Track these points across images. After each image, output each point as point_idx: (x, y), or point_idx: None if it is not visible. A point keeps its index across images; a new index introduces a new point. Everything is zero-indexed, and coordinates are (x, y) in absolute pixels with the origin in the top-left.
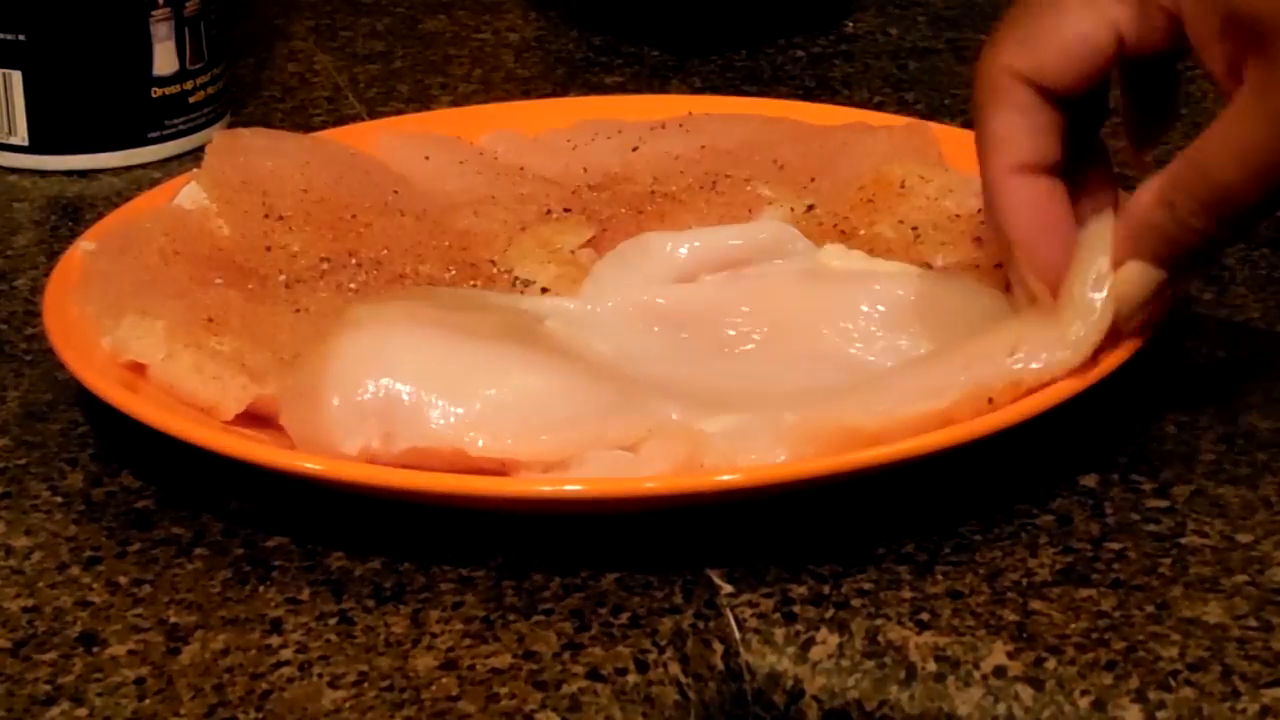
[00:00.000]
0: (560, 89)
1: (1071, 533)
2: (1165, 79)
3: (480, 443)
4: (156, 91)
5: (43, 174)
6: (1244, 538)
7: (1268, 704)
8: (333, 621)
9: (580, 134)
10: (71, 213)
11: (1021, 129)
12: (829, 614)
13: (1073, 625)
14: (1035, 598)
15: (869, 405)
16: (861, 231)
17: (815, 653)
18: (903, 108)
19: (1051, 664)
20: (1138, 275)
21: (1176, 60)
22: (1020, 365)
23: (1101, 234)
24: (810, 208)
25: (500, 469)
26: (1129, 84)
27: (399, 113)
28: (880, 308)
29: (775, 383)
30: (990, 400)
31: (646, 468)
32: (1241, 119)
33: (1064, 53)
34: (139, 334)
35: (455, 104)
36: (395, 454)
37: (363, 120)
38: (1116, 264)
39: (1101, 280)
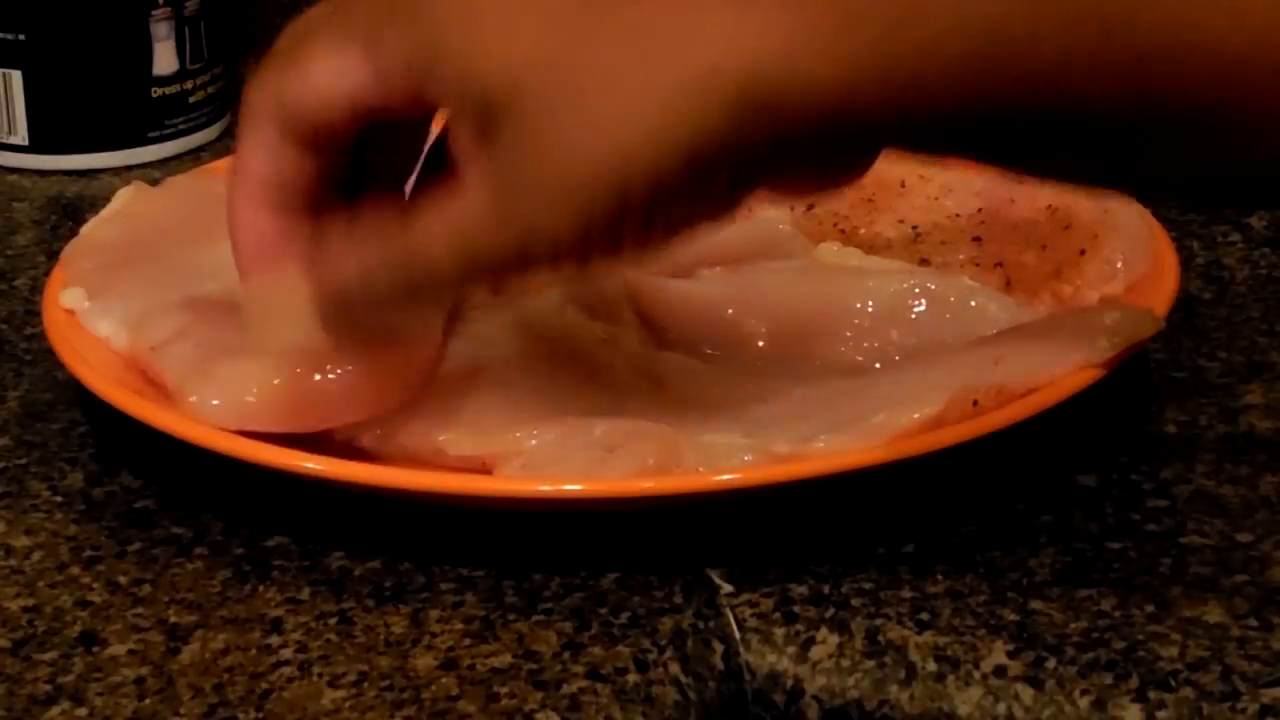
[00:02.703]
0: None
1: (1071, 533)
2: (417, 136)
3: (459, 441)
4: (156, 91)
5: (43, 174)
6: (1244, 538)
7: (1268, 704)
8: (333, 621)
9: None
10: (71, 212)
11: (259, 155)
12: (829, 614)
13: (1073, 625)
14: (1035, 597)
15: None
16: (861, 230)
17: (815, 652)
18: None
19: (1051, 664)
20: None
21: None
22: (1004, 370)
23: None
24: (810, 206)
25: (481, 467)
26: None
27: None
28: (872, 305)
29: (766, 380)
30: (975, 403)
31: (617, 468)
32: (461, 196)
33: (299, 95)
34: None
35: None
36: (384, 452)
37: None
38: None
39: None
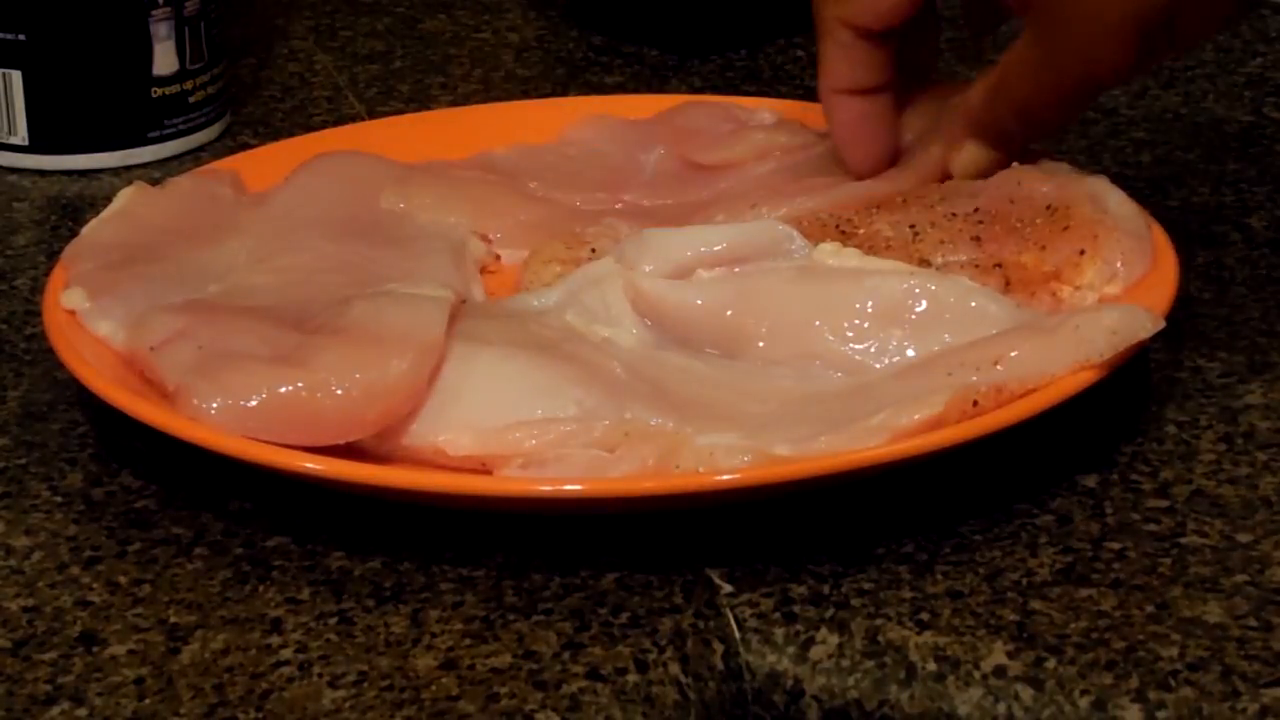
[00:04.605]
0: (560, 89)
1: (1071, 533)
2: (931, 20)
3: (459, 441)
4: (156, 91)
5: (43, 174)
6: (1244, 538)
7: (1268, 704)
8: (333, 621)
9: (582, 132)
10: (71, 213)
11: (843, 61)
12: (829, 614)
13: (1073, 625)
14: (1035, 598)
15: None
16: (861, 230)
17: (815, 653)
18: None
19: (1051, 664)
20: (974, 154)
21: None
22: (1004, 370)
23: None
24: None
25: (481, 467)
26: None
27: (399, 113)
28: (872, 305)
29: (766, 380)
30: (975, 403)
31: (616, 469)
32: (1027, 48)
33: (865, 7)
34: None
35: (455, 104)
36: (382, 452)
37: (363, 120)
38: (955, 145)
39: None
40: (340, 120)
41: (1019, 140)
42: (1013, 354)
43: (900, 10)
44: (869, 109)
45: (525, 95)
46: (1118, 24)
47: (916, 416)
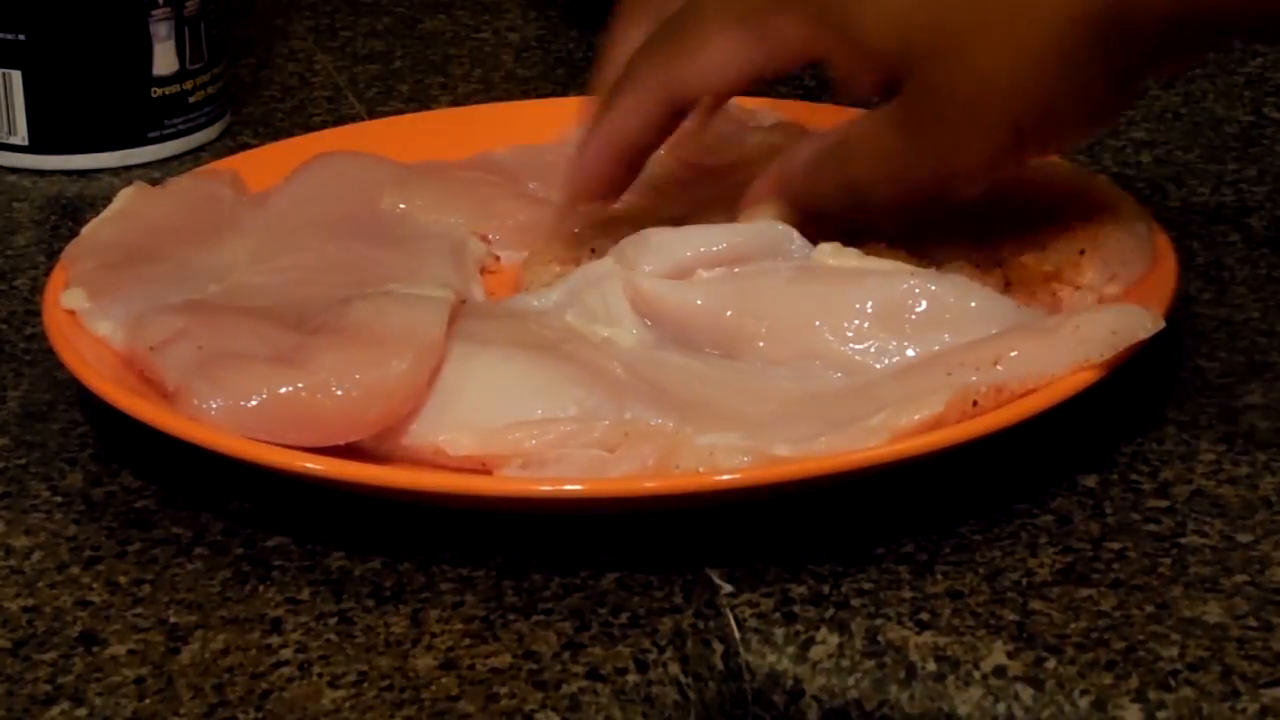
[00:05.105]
0: (560, 89)
1: (1071, 533)
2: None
3: (459, 441)
4: (156, 91)
5: (43, 174)
6: (1244, 538)
7: (1268, 704)
8: (333, 621)
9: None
10: (71, 213)
11: (635, 116)
12: (829, 614)
13: (1073, 625)
14: (1035, 598)
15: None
16: (861, 231)
17: (815, 653)
18: None
19: (1051, 664)
20: (769, 212)
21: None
22: (1004, 370)
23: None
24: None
25: (481, 467)
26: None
27: (399, 113)
28: (872, 305)
29: (766, 380)
30: (975, 403)
31: (616, 469)
32: (884, 127)
33: (696, 74)
34: None
35: (455, 104)
36: (382, 452)
37: (363, 120)
38: (759, 197)
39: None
40: (340, 120)
41: (829, 212)
42: (1013, 354)
43: (731, 82)
44: (629, 171)
45: (525, 95)
46: (989, 117)
47: (916, 416)
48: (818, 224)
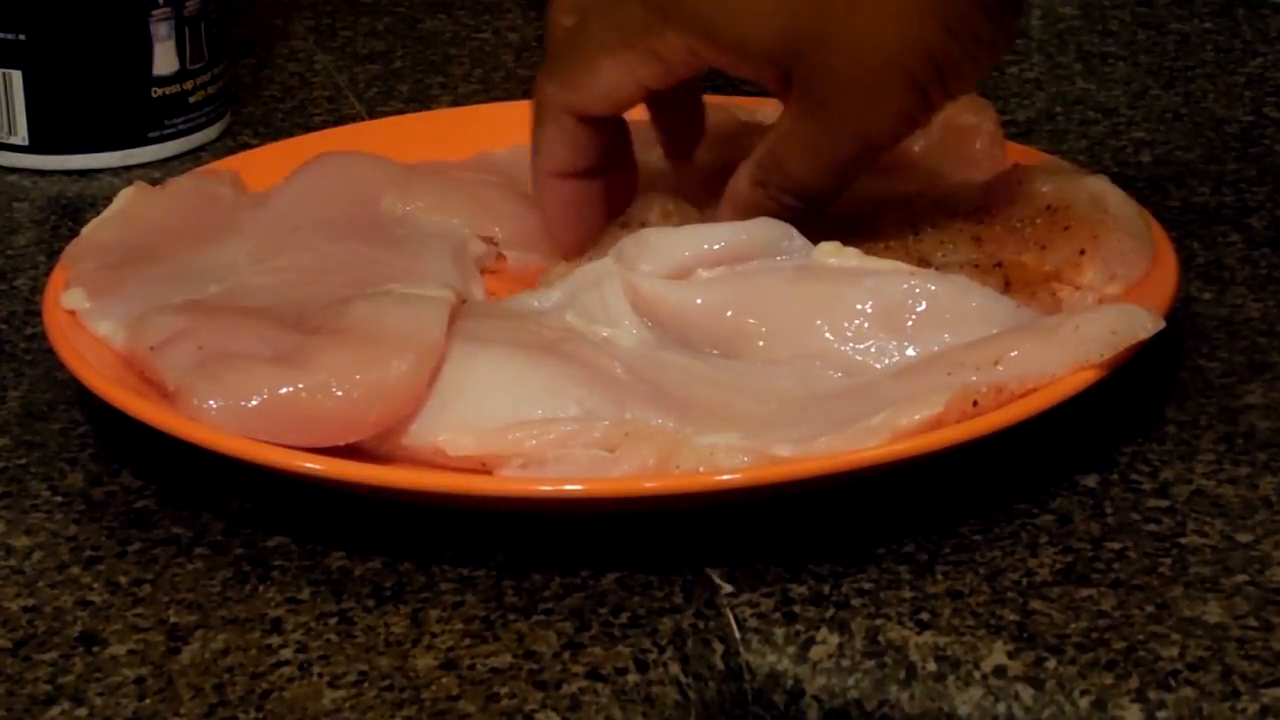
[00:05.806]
0: None
1: (1071, 533)
2: (690, 99)
3: (459, 441)
4: (156, 91)
5: (43, 174)
6: (1244, 538)
7: (1268, 704)
8: (333, 621)
9: None
10: (71, 213)
11: (563, 145)
12: (829, 614)
13: (1073, 625)
14: (1035, 598)
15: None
16: (861, 231)
17: (815, 653)
18: None
19: (1051, 664)
20: None
21: (698, 84)
22: (1004, 370)
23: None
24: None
25: (481, 467)
26: (658, 109)
27: (399, 113)
28: (872, 305)
29: (766, 380)
30: (975, 403)
31: (616, 469)
32: (797, 121)
33: (595, 97)
34: None
35: (455, 104)
36: (382, 452)
37: (363, 120)
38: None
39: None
40: (340, 120)
41: (793, 215)
42: (1013, 354)
43: (630, 99)
44: (584, 191)
45: (525, 95)
46: (886, 79)
47: (916, 416)
48: (817, 224)
